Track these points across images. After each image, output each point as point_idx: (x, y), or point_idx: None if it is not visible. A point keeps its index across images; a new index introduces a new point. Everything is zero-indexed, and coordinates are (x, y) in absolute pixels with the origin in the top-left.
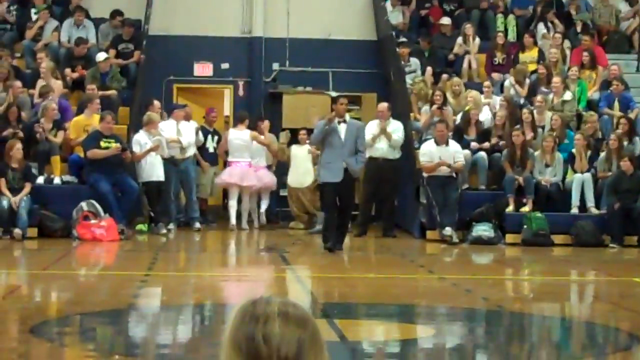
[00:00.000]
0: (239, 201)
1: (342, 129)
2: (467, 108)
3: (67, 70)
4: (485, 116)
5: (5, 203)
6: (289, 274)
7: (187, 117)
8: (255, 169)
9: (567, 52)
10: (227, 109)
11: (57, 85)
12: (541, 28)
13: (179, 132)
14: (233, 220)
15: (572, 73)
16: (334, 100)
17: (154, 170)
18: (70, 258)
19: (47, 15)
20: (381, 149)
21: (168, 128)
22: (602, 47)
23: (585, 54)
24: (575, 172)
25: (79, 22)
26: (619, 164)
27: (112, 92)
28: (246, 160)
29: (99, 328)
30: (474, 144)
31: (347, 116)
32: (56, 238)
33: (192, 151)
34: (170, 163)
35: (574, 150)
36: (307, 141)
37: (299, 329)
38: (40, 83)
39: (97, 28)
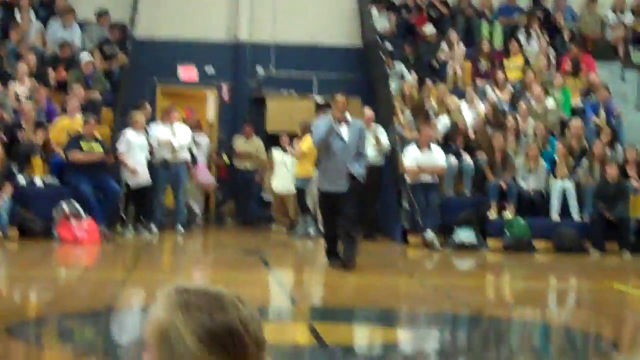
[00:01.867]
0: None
1: (343, 130)
2: (452, 116)
3: (51, 72)
4: (471, 123)
5: None
6: (270, 278)
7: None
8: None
9: (553, 60)
10: (212, 113)
11: (37, 87)
12: (526, 36)
13: (174, 134)
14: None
15: (556, 80)
16: (331, 98)
17: (140, 173)
18: (51, 259)
19: (29, 17)
20: (370, 155)
21: (162, 130)
22: (588, 55)
23: (568, 62)
24: (556, 178)
25: (67, 23)
26: (601, 171)
27: (96, 94)
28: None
29: (77, 329)
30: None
31: (348, 115)
32: (37, 238)
33: (185, 154)
34: (161, 165)
35: (556, 157)
36: (289, 147)
37: (253, 309)
38: (15, 85)
39: (82, 30)
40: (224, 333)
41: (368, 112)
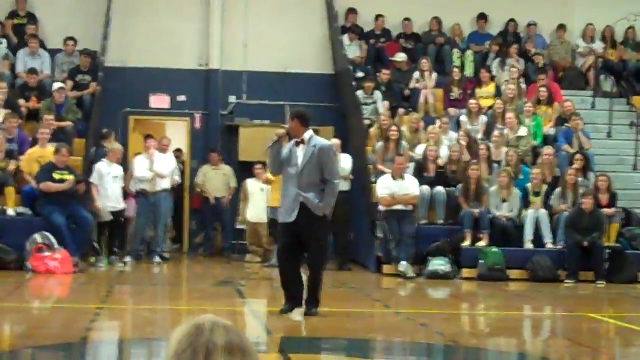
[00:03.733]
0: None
1: (299, 152)
2: (426, 145)
3: (22, 101)
4: (445, 152)
5: None
6: (245, 308)
7: (164, 149)
8: None
9: (524, 88)
10: (184, 142)
11: (8, 116)
12: (498, 64)
13: (152, 164)
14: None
15: (528, 109)
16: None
17: (112, 201)
18: (24, 291)
19: None
20: None
21: (141, 161)
22: (558, 84)
23: (542, 89)
24: (529, 207)
25: (33, 50)
26: (574, 199)
27: (68, 123)
28: None
29: None
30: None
31: (308, 135)
32: (10, 270)
33: (165, 184)
34: (141, 195)
35: (529, 185)
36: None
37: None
38: None
39: (53, 58)
40: None
41: (334, 140)
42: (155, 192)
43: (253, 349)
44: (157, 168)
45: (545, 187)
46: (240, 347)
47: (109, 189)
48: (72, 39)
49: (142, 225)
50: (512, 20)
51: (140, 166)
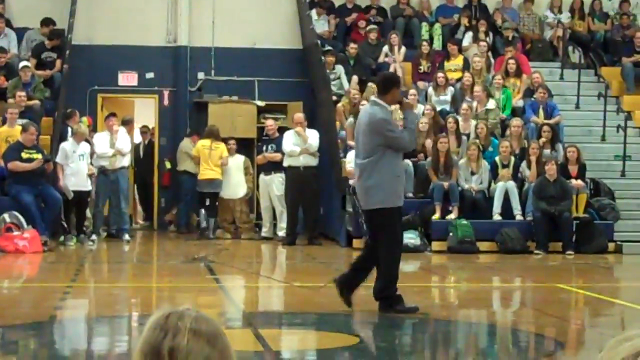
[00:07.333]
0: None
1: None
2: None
3: None
4: None
5: None
6: (214, 284)
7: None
8: None
9: (492, 60)
10: (153, 119)
11: None
12: (467, 36)
13: (113, 142)
14: None
15: (496, 81)
16: (393, 82)
17: (79, 179)
18: None
19: None
20: (302, 157)
21: (102, 138)
22: (526, 56)
23: (511, 61)
24: (497, 179)
25: None
26: (539, 171)
27: (35, 102)
28: None
29: (21, 340)
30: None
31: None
32: None
33: (124, 162)
34: (100, 173)
35: (497, 158)
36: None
37: (208, 346)
38: None
39: (19, 37)
40: (149, 354)
41: (298, 116)
42: (115, 170)
43: (224, 338)
44: (119, 145)
45: (513, 159)
46: (208, 333)
47: (74, 167)
48: (51, 21)
49: (101, 202)
50: None
51: (101, 143)
